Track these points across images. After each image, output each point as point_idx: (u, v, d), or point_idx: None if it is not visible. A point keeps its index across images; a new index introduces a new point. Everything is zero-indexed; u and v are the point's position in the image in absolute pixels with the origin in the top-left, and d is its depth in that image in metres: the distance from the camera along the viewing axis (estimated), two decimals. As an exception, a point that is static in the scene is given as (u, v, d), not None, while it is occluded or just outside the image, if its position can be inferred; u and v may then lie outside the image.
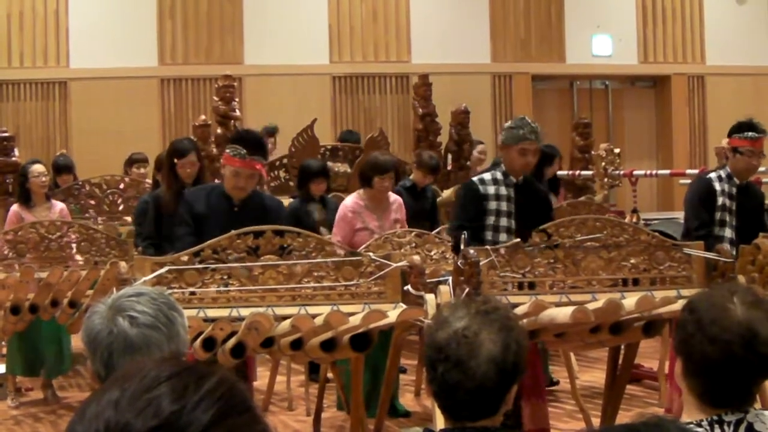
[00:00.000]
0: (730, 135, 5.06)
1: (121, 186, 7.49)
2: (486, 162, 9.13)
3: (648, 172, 9.73)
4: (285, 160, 8.56)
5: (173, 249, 4.35)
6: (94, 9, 10.77)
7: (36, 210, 6.18)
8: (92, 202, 7.38)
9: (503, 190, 4.70)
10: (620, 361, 4.43)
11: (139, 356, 1.81)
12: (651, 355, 6.07)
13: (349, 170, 8.45)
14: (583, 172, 9.06)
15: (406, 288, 4.25)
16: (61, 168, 7.82)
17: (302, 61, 11.07)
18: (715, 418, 1.82)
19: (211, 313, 3.85)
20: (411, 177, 7.09)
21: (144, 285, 3.35)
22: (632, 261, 4.25)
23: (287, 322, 3.56)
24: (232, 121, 8.69)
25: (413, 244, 5.56)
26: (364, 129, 10.72)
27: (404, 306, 3.88)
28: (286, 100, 10.86)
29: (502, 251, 4.15)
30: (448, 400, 1.92)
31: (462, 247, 4.22)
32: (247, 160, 4.45)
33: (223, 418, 0.95)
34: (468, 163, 9.33)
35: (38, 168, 6.31)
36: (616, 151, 8.41)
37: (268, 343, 3.63)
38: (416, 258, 4.93)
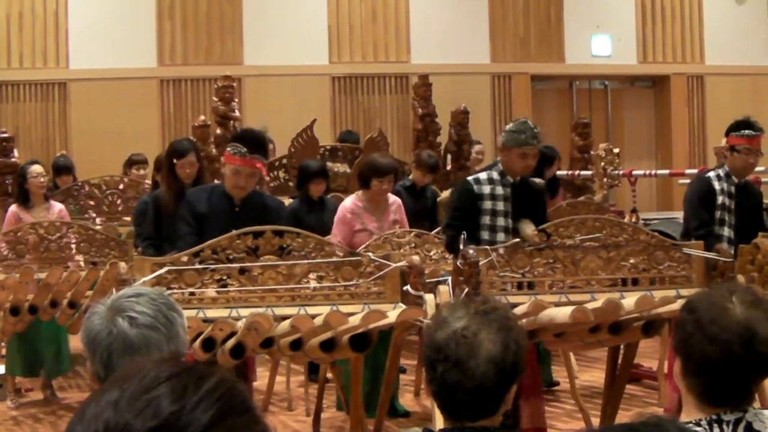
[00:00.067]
0: (727, 134, 5.07)
1: (121, 186, 7.49)
2: (484, 162, 9.13)
3: (647, 172, 9.73)
4: (284, 161, 8.56)
5: (174, 248, 4.35)
6: (94, 10, 10.77)
7: (34, 211, 6.18)
8: (92, 202, 7.38)
9: (499, 190, 4.70)
10: (620, 361, 4.44)
11: (139, 357, 1.81)
12: (650, 354, 6.07)
13: (348, 170, 8.45)
14: (583, 172, 9.06)
15: (405, 288, 4.25)
16: (61, 169, 7.82)
17: (302, 62, 11.07)
18: (714, 417, 1.82)
19: (211, 313, 3.85)
20: (410, 177, 7.10)
21: (143, 285, 3.35)
22: (631, 261, 4.25)
23: (287, 322, 3.56)
24: (232, 121, 8.68)
25: (412, 245, 5.57)
26: (363, 129, 10.72)
27: (404, 306, 3.88)
28: (286, 101, 10.86)
29: (501, 251, 4.15)
30: (447, 400, 1.92)
31: (461, 247, 4.23)
32: (248, 158, 4.45)
33: (223, 419, 0.95)
34: (468, 163, 9.33)
35: (37, 169, 6.31)
36: (616, 151, 8.41)
37: (268, 343, 3.63)
38: (415, 258, 4.94)
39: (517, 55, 11.81)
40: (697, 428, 1.81)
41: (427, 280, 4.47)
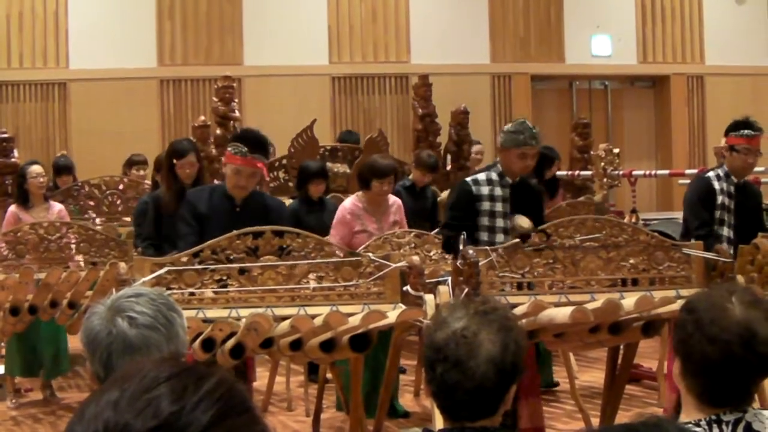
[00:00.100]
0: (726, 133, 5.07)
1: (121, 187, 7.49)
2: (484, 162, 9.13)
3: (647, 172, 9.73)
4: (284, 161, 8.56)
5: (174, 249, 4.35)
6: (94, 10, 10.77)
7: (34, 211, 6.18)
8: (91, 202, 7.38)
9: (498, 191, 4.69)
10: (619, 361, 4.44)
11: (139, 357, 1.81)
12: (650, 355, 6.07)
13: (348, 171, 8.45)
14: (583, 173, 9.06)
15: (405, 288, 4.25)
16: (62, 169, 7.83)
17: (302, 62, 11.08)
18: (713, 417, 1.82)
19: (211, 313, 3.85)
20: (410, 177, 7.10)
21: (143, 286, 3.35)
22: (631, 261, 4.25)
23: (286, 322, 3.56)
24: (232, 122, 8.68)
25: (412, 245, 5.57)
26: (363, 129, 10.71)
27: (403, 306, 3.88)
28: (286, 101, 10.86)
29: (501, 251, 4.15)
30: (447, 400, 1.93)
31: (461, 247, 4.23)
32: (249, 158, 4.45)
33: (223, 419, 0.95)
34: (467, 163, 9.33)
35: (36, 169, 6.31)
36: (616, 151, 8.41)
37: (268, 343, 3.63)
38: (415, 258, 4.93)
39: (517, 55, 11.82)
40: (697, 428, 1.81)
41: (427, 281, 4.46)
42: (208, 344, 3.58)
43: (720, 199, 4.97)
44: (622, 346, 4.39)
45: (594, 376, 6.18)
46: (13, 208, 6.26)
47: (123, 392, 0.95)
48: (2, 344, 6.33)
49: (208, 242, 4.01)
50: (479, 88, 11.58)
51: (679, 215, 6.83)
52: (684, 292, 4.00)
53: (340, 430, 5.30)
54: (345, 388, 4.73)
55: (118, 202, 7.43)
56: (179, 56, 11.04)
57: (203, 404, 0.94)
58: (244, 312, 3.76)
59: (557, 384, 6.01)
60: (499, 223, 4.67)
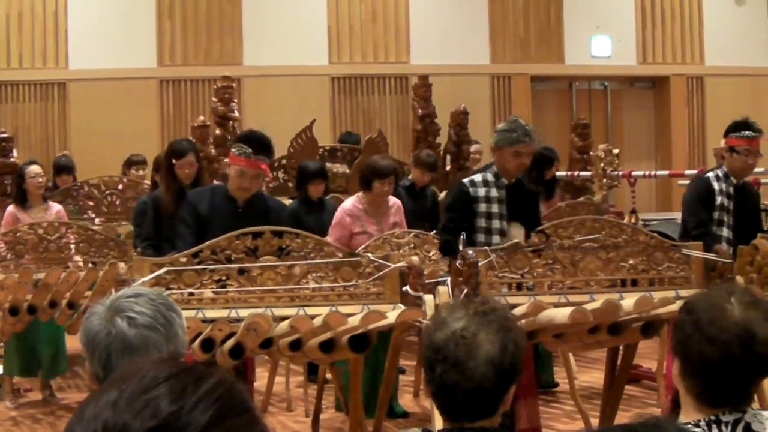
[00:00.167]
0: (726, 134, 5.07)
1: (120, 187, 7.49)
2: (482, 162, 9.13)
3: (647, 172, 9.74)
4: (284, 161, 8.56)
5: (173, 249, 4.34)
6: (93, 10, 10.77)
7: (32, 211, 6.18)
8: (91, 203, 7.38)
9: (494, 192, 4.68)
10: (619, 362, 4.44)
11: (138, 357, 1.81)
12: (649, 355, 6.07)
13: (348, 171, 8.45)
14: (582, 173, 9.06)
15: (404, 289, 4.25)
16: (62, 168, 7.83)
17: (301, 62, 11.08)
18: (712, 418, 1.82)
19: (210, 313, 3.85)
20: (409, 177, 7.10)
21: (142, 286, 3.35)
22: (631, 262, 4.25)
23: (286, 322, 3.56)
24: (231, 122, 8.69)
25: (412, 245, 5.57)
26: (363, 130, 10.72)
27: (403, 307, 3.88)
28: (285, 101, 10.86)
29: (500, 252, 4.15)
30: (446, 400, 1.92)
31: (461, 248, 4.22)
32: (253, 159, 4.45)
33: (222, 419, 0.95)
34: (467, 163, 9.34)
35: (35, 169, 6.31)
36: (615, 151, 8.42)
37: (267, 344, 3.63)
38: (415, 259, 4.93)
39: (516, 56, 11.82)
40: (696, 429, 1.81)
41: (427, 281, 4.46)
42: (208, 344, 3.58)
43: (719, 199, 4.97)
44: (621, 347, 4.39)
45: (593, 377, 6.18)
46: (11, 208, 6.26)
47: (122, 392, 0.95)
48: (1, 344, 6.32)
49: (208, 242, 4.00)
50: (479, 89, 11.58)
51: (678, 216, 6.83)
52: (683, 293, 4.00)
53: (340, 430, 5.30)
54: (344, 389, 4.73)
55: (118, 202, 7.43)
56: (179, 56, 11.04)
57: (202, 404, 0.94)
58: (244, 312, 3.76)
59: (557, 384, 6.01)
60: (496, 224, 4.66)
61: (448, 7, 11.66)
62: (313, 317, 3.61)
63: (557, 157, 7.30)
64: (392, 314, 3.58)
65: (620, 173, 8.42)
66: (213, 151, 8.36)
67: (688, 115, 12.32)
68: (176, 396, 0.94)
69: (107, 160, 9.15)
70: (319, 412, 5.15)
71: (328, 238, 5.51)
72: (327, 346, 3.60)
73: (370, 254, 4.26)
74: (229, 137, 8.53)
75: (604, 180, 8.25)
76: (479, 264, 4.00)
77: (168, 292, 3.51)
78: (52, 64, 10.75)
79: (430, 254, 5.57)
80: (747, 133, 4.94)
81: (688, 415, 1.86)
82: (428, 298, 4.00)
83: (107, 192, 7.43)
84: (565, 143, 10.03)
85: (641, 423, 1.20)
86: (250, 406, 0.99)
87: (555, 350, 5.47)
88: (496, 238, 4.60)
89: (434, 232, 5.83)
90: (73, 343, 6.00)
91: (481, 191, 4.67)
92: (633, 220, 7.19)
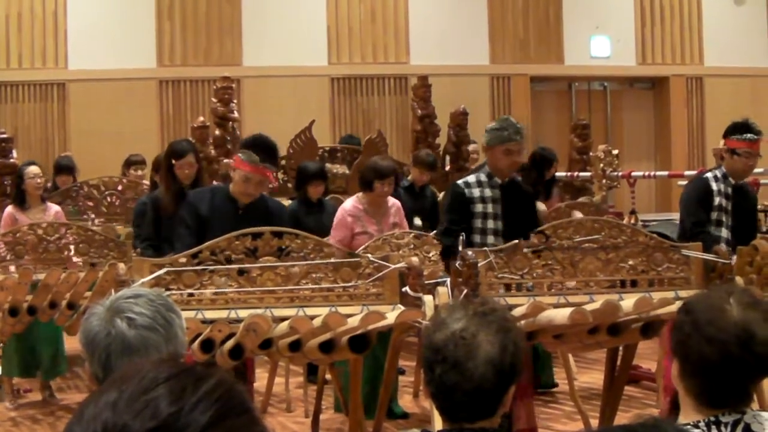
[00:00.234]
0: (726, 136, 5.06)
1: (120, 187, 7.49)
2: (480, 161, 9.13)
3: (646, 173, 9.74)
4: (283, 162, 8.56)
5: (172, 250, 4.34)
6: (93, 10, 10.77)
7: (30, 212, 6.17)
8: (90, 203, 7.38)
9: (488, 192, 4.67)
10: (618, 363, 4.44)
11: (137, 358, 1.81)
12: (649, 356, 6.07)
13: (347, 172, 8.46)
14: (582, 174, 9.06)
15: (404, 289, 4.25)
16: (62, 168, 7.83)
17: (301, 63, 11.08)
18: (712, 419, 1.82)
19: (210, 314, 3.85)
20: (409, 177, 7.10)
21: (142, 286, 3.35)
22: (630, 262, 4.25)
23: (285, 323, 3.56)
24: (231, 122, 8.69)
25: (411, 246, 5.56)
26: (362, 130, 10.72)
27: (402, 307, 3.88)
28: (285, 102, 10.86)
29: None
30: (445, 401, 1.92)
31: (460, 248, 4.22)
32: (260, 167, 4.46)
33: (222, 420, 0.95)
34: (467, 164, 9.35)
35: (34, 169, 6.31)
36: (615, 152, 8.43)
37: (267, 344, 3.63)
38: (414, 259, 4.93)
39: (516, 57, 11.82)
40: (696, 430, 1.81)
41: (426, 282, 4.46)
42: (207, 345, 3.58)
43: (717, 200, 4.97)
44: (621, 348, 4.39)
45: (593, 378, 6.18)
46: (9, 208, 6.25)
47: (122, 393, 0.95)
48: (0, 345, 6.32)
49: (207, 243, 4.00)
50: (478, 89, 11.59)
51: (678, 216, 6.83)
52: (683, 294, 4.00)
53: (339, 431, 5.30)
54: (344, 389, 4.73)
55: (117, 202, 7.42)
56: (178, 57, 11.04)
57: (202, 405, 0.94)
58: (243, 313, 3.76)
59: (556, 385, 6.01)
60: (490, 224, 4.65)
61: (448, 7, 11.66)
62: (312, 318, 3.61)
63: (556, 157, 7.31)
64: (392, 315, 3.58)
65: (620, 174, 8.42)
66: (213, 151, 8.36)
67: (688, 116, 12.33)
68: (176, 397, 0.94)
69: (107, 161, 9.14)
70: (318, 413, 5.15)
71: (331, 239, 5.52)
72: (326, 347, 3.60)
73: (369, 255, 4.26)
74: (229, 138, 8.54)
75: (604, 180, 8.26)
76: (479, 265, 4.00)
77: (167, 292, 3.51)
78: (51, 64, 10.75)
79: (430, 255, 5.57)
80: (749, 135, 4.93)
81: (687, 415, 1.86)
82: (428, 298, 4.00)
83: (107, 192, 7.43)
84: (564, 144, 10.03)
85: (640, 424, 1.20)
86: (249, 406, 0.99)
87: (554, 351, 5.47)
88: (491, 239, 4.59)
89: (434, 233, 5.84)
90: (72, 344, 6.00)
91: (476, 192, 4.67)
92: (632, 221, 7.19)
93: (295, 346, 3.63)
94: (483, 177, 4.72)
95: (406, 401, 5.83)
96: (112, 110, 10.62)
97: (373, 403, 4.75)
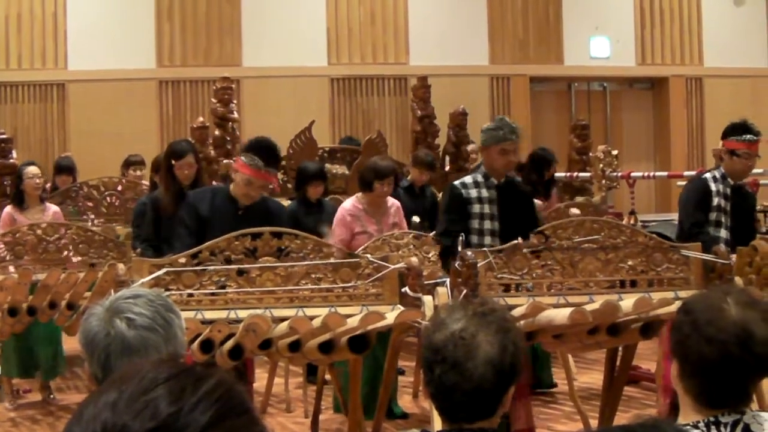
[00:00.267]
0: (724, 137, 5.06)
1: (119, 188, 7.48)
2: (478, 161, 9.14)
3: (646, 173, 9.74)
4: (283, 162, 8.56)
5: (171, 250, 4.34)
6: (92, 11, 10.77)
7: (29, 212, 6.17)
8: (90, 203, 7.38)
9: (485, 193, 4.68)
10: (618, 363, 4.44)
11: (137, 358, 1.81)
12: (648, 356, 6.07)
13: (347, 172, 8.46)
14: (581, 174, 9.07)
15: (403, 290, 4.25)
16: (62, 169, 7.83)
17: (300, 63, 11.08)
18: (711, 419, 1.82)
19: (209, 314, 3.85)
20: (408, 177, 7.10)
21: (142, 287, 3.35)
22: (630, 263, 4.25)
23: (285, 323, 3.56)
24: (231, 123, 8.69)
25: (411, 246, 5.56)
26: (362, 131, 10.72)
27: (402, 308, 3.88)
28: (285, 102, 10.86)
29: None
30: (445, 401, 1.92)
31: (459, 248, 4.22)
32: (263, 171, 4.47)
33: (221, 420, 0.95)
34: (467, 164, 9.35)
35: (33, 170, 6.30)
36: (614, 152, 8.43)
37: (266, 344, 3.63)
38: (414, 260, 4.93)
39: (515, 57, 11.83)
40: (695, 430, 1.81)
41: (426, 282, 4.47)
42: (207, 345, 3.58)
43: (716, 200, 4.97)
44: (620, 348, 4.39)
45: (593, 378, 6.18)
46: (8, 209, 6.24)
47: (121, 393, 0.95)
48: (-1, 345, 6.33)
49: (207, 243, 4.01)
50: (478, 90, 11.59)
51: (677, 217, 6.84)
52: (682, 294, 3.99)
53: (339, 431, 5.30)
54: (344, 390, 4.73)
55: (117, 203, 7.42)
56: (178, 57, 11.04)
57: (202, 405, 0.94)
58: (243, 313, 3.76)
59: (555, 385, 6.01)
60: (487, 225, 4.65)
61: (447, 8, 11.67)
62: (312, 318, 3.61)
63: (555, 158, 7.31)
64: (391, 315, 3.58)
65: (619, 174, 8.42)
66: (212, 152, 8.36)
67: (687, 116, 12.33)
68: (175, 397, 0.94)
69: (106, 161, 9.14)
70: (318, 413, 5.15)
71: (330, 239, 5.51)
72: (326, 347, 3.60)
73: (369, 255, 4.26)
74: (229, 138, 8.54)
75: (603, 181, 8.26)
76: (478, 265, 4.00)
77: (167, 293, 3.51)
78: (51, 65, 10.75)
79: (429, 255, 5.57)
80: (748, 136, 4.94)
81: (686, 416, 1.86)
82: (427, 299, 4.00)
83: (106, 193, 7.43)
84: (564, 144, 10.03)
85: (640, 424, 1.20)
86: (249, 406, 0.99)
87: (554, 351, 5.47)
88: (488, 239, 4.59)
89: (432, 233, 5.84)
90: (72, 344, 6.00)
91: (473, 192, 4.67)
92: (632, 221, 7.19)
93: (295, 347, 3.63)
94: (480, 178, 4.72)
95: (405, 401, 5.83)
96: (111, 111, 10.62)
97: (373, 403, 4.75)
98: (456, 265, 4.03)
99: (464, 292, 3.91)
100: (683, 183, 8.04)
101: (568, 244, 4.21)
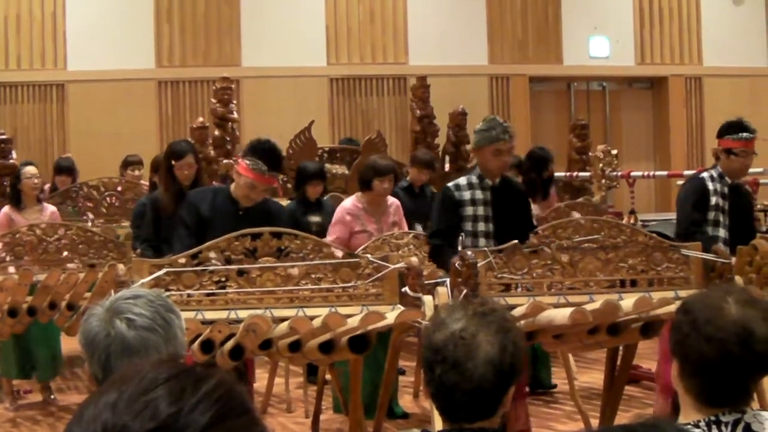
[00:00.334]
0: (720, 136, 5.06)
1: (119, 188, 7.48)
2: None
3: (645, 173, 9.74)
4: (282, 162, 8.55)
5: (171, 250, 4.34)
6: (92, 11, 10.77)
7: (26, 212, 6.16)
8: (90, 204, 7.38)
9: (479, 194, 4.66)
10: (618, 363, 4.44)
11: (137, 359, 1.80)
12: (649, 356, 6.07)
13: (347, 172, 8.46)
14: (581, 174, 9.06)
15: (403, 290, 4.25)
16: (62, 169, 7.83)
17: (300, 63, 11.08)
18: (712, 418, 1.82)
19: (209, 315, 3.85)
20: (408, 178, 7.10)
21: (142, 287, 3.35)
22: (630, 262, 4.25)
23: (285, 324, 3.56)
24: (230, 123, 8.69)
25: (411, 246, 5.57)
26: (361, 131, 10.72)
27: (402, 308, 3.88)
28: (284, 102, 10.86)
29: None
30: (445, 401, 1.92)
31: (459, 248, 4.23)
32: (267, 176, 4.47)
33: (221, 420, 0.95)
34: (466, 164, 9.35)
35: (31, 170, 6.30)
36: (614, 152, 8.42)
37: (267, 345, 3.63)
38: (414, 260, 4.93)
39: (515, 57, 11.82)
40: (696, 429, 1.81)
41: (426, 282, 4.46)
42: (207, 346, 3.58)
43: (714, 200, 4.96)
44: (621, 348, 4.39)
45: (593, 378, 6.18)
46: (5, 209, 6.23)
47: (121, 394, 0.95)
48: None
49: (207, 243, 4.01)
50: (477, 90, 11.58)
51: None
52: (682, 293, 3.99)
53: (339, 431, 5.30)
54: (344, 390, 4.73)
55: (117, 203, 7.42)
56: (177, 57, 11.04)
57: (202, 406, 0.94)
58: (243, 313, 3.76)
59: (555, 386, 6.01)
60: (481, 227, 4.64)
61: (447, 8, 11.66)
62: (312, 318, 3.61)
63: (552, 156, 7.30)
64: (391, 315, 3.58)
65: (619, 174, 8.42)
66: (212, 152, 8.35)
67: (687, 116, 12.33)
68: (175, 397, 0.94)
69: (106, 162, 9.13)
70: (318, 413, 5.15)
71: (328, 237, 5.52)
72: (326, 347, 3.60)
73: (369, 255, 4.26)
74: (228, 138, 8.54)
75: (603, 181, 8.25)
76: (478, 265, 4.00)
77: (167, 293, 3.51)
78: (50, 65, 10.75)
79: (429, 255, 5.57)
80: (745, 135, 4.93)
81: (687, 415, 1.86)
82: (427, 298, 4.00)
83: (106, 193, 7.43)
84: (563, 144, 10.03)
85: (640, 424, 1.20)
86: (249, 407, 0.99)
87: (554, 351, 5.47)
88: (482, 241, 4.57)
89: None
90: (72, 345, 6.00)
91: (466, 194, 4.66)
92: (632, 221, 7.19)
93: (295, 347, 3.63)
94: (474, 179, 4.71)
95: (406, 401, 5.83)
96: (111, 111, 10.62)
97: (373, 403, 4.75)
98: (456, 265, 4.03)
99: (464, 292, 3.91)
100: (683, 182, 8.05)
101: (568, 244, 4.21)
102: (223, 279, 3.97)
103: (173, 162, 5.25)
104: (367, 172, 5.78)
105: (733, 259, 4.28)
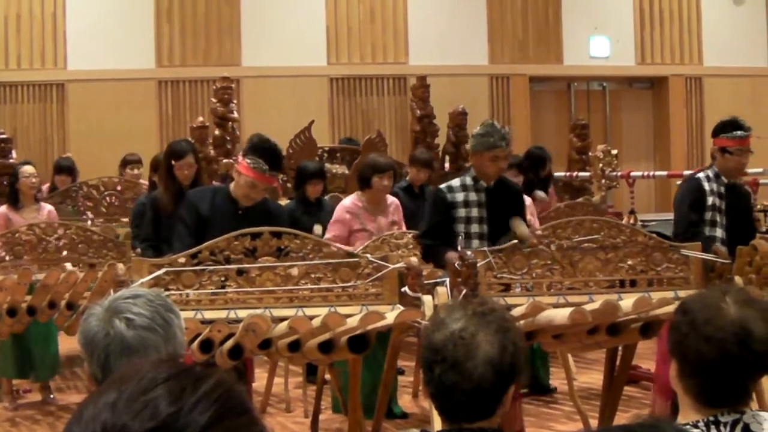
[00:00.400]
0: (715, 135, 5.06)
1: (119, 188, 7.48)
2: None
3: (645, 173, 9.75)
4: (282, 162, 8.56)
5: (171, 250, 4.34)
6: (92, 11, 10.76)
7: (24, 211, 6.16)
8: (89, 203, 7.38)
9: (473, 196, 4.66)
10: (618, 363, 4.44)
11: (136, 358, 1.80)
12: (648, 356, 6.07)
13: (347, 172, 8.45)
14: (581, 174, 9.07)
15: (403, 289, 4.25)
16: (62, 169, 7.83)
17: (300, 63, 11.07)
18: (711, 418, 1.82)
19: (209, 314, 3.85)
20: (407, 178, 7.10)
21: (141, 287, 3.35)
22: (629, 262, 4.25)
23: (285, 323, 3.56)
24: (230, 122, 8.69)
25: (410, 246, 5.56)
26: (361, 131, 10.72)
27: (401, 307, 3.88)
28: (284, 102, 10.86)
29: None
30: (445, 401, 1.92)
31: (459, 248, 4.23)
32: (267, 175, 4.47)
33: (221, 420, 0.95)
34: (466, 164, 9.35)
35: (29, 169, 6.30)
36: (614, 152, 8.43)
37: (266, 344, 3.63)
38: (413, 259, 4.93)
39: (515, 57, 11.82)
40: (695, 430, 1.81)
41: (425, 282, 4.47)
42: (207, 345, 3.58)
43: (710, 200, 4.95)
44: (620, 348, 4.39)
45: (592, 378, 6.18)
46: (3, 208, 6.23)
47: (121, 393, 0.95)
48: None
49: (207, 243, 4.01)
50: (477, 90, 11.58)
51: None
52: (682, 294, 3.99)
53: (339, 431, 5.30)
54: (343, 389, 4.73)
55: (116, 203, 7.42)
56: (177, 57, 11.03)
57: (201, 405, 0.94)
58: (243, 313, 3.76)
59: (555, 389, 6.00)
60: (474, 229, 4.64)
61: (447, 7, 11.66)
62: (311, 318, 3.61)
63: (549, 156, 7.30)
64: (391, 315, 3.59)
65: (619, 174, 8.42)
66: (212, 151, 8.36)
67: (687, 116, 12.33)
68: (175, 397, 0.94)
69: (106, 161, 9.12)
70: (318, 413, 5.15)
71: (327, 235, 5.52)
72: (326, 347, 3.60)
73: (368, 255, 4.26)
74: (228, 138, 8.54)
75: (603, 180, 8.26)
76: (478, 265, 4.00)
77: (166, 293, 3.51)
78: (50, 65, 10.75)
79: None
80: (740, 133, 4.93)
81: (686, 415, 1.86)
82: (427, 298, 4.00)
83: (106, 193, 7.43)
84: (563, 144, 10.03)
85: (640, 424, 1.20)
86: (249, 406, 0.99)
87: (554, 351, 5.47)
88: (475, 243, 4.57)
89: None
90: (72, 344, 6.00)
91: (459, 196, 4.66)
92: (631, 221, 7.19)
93: (295, 347, 3.63)
94: (468, 180, 4.71)
95: (405, 401, 5.83)
96: (111, 111, 10.62)
97: (373, 403, 4.75)
98: (456, 265, 4.03)
99: (464, 291, 3.91)
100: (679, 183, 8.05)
101: (567, 244, 4.21)
102: (223, 279, 3.97)
103: (173, 162, 5.25)
104: (366, 170, 5.79)
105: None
